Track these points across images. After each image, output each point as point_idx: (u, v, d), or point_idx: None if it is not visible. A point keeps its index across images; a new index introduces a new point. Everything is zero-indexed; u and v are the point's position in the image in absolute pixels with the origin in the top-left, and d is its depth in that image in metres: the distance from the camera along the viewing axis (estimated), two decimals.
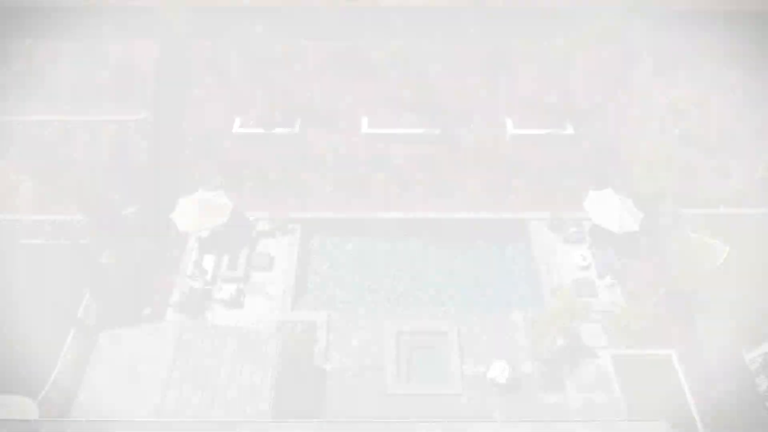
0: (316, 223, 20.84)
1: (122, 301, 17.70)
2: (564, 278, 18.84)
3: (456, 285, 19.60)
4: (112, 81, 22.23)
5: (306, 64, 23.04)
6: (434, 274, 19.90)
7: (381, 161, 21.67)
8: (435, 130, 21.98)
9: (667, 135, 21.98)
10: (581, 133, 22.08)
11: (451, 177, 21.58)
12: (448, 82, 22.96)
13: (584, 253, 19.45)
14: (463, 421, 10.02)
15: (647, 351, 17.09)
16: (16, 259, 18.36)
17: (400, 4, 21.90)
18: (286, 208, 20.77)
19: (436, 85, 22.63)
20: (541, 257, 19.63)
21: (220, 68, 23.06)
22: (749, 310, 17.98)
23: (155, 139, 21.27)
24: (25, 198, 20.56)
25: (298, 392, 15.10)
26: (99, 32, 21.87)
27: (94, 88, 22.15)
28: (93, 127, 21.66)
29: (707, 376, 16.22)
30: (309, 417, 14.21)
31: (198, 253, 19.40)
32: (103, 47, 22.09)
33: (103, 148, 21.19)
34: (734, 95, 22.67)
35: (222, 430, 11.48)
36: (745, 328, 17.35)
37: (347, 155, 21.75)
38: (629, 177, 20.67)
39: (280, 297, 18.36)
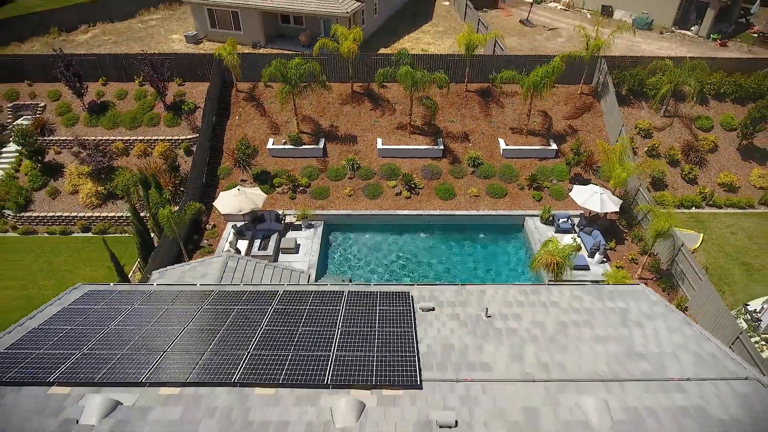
0: (336, 218, 23.28)
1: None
2: None
3: (459, 267, 21.46)
4: (167, 111, 26.24)
5: (330, 98, 27.17)
6: (439, 261, 21.82)
7: (392, 171, 24.70)
8: (438, 146, 25.34)
9: (638, 149, 25.29)
10: (562, 148, 25.45)
11: (453, 183, 24.46)
12: (449, 112, 26.88)
13: (575, 238, 21.58)
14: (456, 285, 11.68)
15: None
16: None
17: (411, 50, 26.54)
18: (311, 206, 23.39)
19: (438, 114, 26.46)
20: (536, 244, 21.70)
21: (258, 101, 27.18)
22: (717, 280, 19.87)
23: (200, 154, 24.58)
24: (83, 194, 23.40)
25: None
26: (155, 73, 26.21)
27: (153, 117, 26.08)
28: (147, 144, 25.23)
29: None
30: None
31: (233, 237, 21.62)
32: (161, 86, 26.28)
33: (154, 160, 24.49)
34: (690, 121, 26.43)
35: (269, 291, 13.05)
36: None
37: (363, 166, 24.86)
38: (606, 182, 23.49)
39: (305, 272, 20.19)
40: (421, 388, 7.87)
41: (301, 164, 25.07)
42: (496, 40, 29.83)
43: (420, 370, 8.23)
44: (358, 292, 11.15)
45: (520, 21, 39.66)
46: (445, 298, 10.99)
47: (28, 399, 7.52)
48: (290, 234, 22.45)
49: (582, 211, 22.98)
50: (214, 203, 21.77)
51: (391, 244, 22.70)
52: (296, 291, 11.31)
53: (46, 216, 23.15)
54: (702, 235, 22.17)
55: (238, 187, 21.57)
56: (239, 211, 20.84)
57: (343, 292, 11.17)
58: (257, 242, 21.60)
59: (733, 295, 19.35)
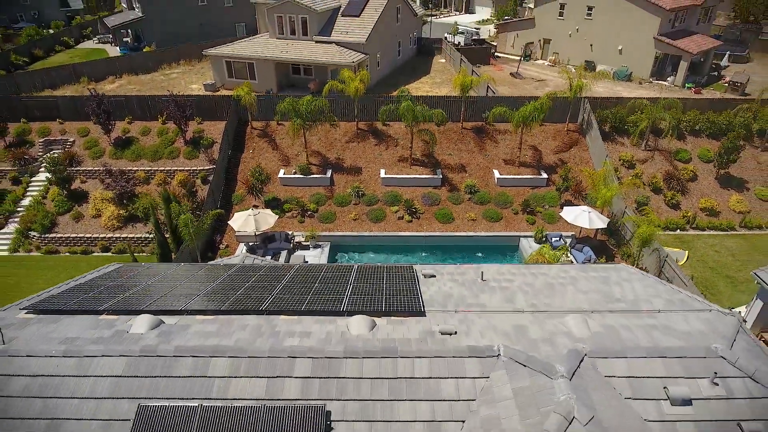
0: (341, 239, 24.53)
1: None
2: None
3: None
4: (187, 145, 28.26)
5: (337, 134, 29.29)
6: None
7: (394, 197, 26.26)
8: (437, 176, 27.08)
9: (623, 178, 26.97)
10: (553, 178, 27.16)
11: (452, 208, 25.94)
12: (446, 146, 28.89)
13: (567, 254, 22.74)
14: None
15: None
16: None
17: (413, 92, 29.00)
18: (319, 229, 24.72)
19: (437, 148, 28.45)
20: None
21: (270, 137, 29.29)
22: (703, 290, 20.87)
23: (216, 182, 26.27)
24: (106, 217, 24.80)
25: None
26: (178, 110, 28.50)
27: (173, 150, 28.06)
28: (167, 173, 26.99)
29: None
30: None
31: (245, 253, 22.76)
32: (183, 123, 28.46)
33: (173, 186, 26.14)
34: (670, 154, 28.36)
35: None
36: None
37: (367, 194, 26.46)
38: (594, 205, 24.96)
39: None
40: (425, 315, 8.91)
41: (309, 192, 26.68)
42: (488, 85, 32.51)
43: (423, 304, 9.30)
44: (367, 266, 12.30)
45: (510, 74, 42.96)
46: (445, 270, 12.12)
47: (83, 321, 8.56)
48: (298, 252, 23.63)
49: (574, 232, 24.28)
50: (229, 222, 23.16)
51: (394, 263, 23.78)
52: (311, 265, 12.46)
53: (69, 237, 24.43)
54: (687, 252, 23.34)
55: (251, 209, 23.05)
56: (252, 229, 22.19)
57: (353, 266, 12.32)
58: (268, 258, 22.74)
59: (719, 303, 20.21)
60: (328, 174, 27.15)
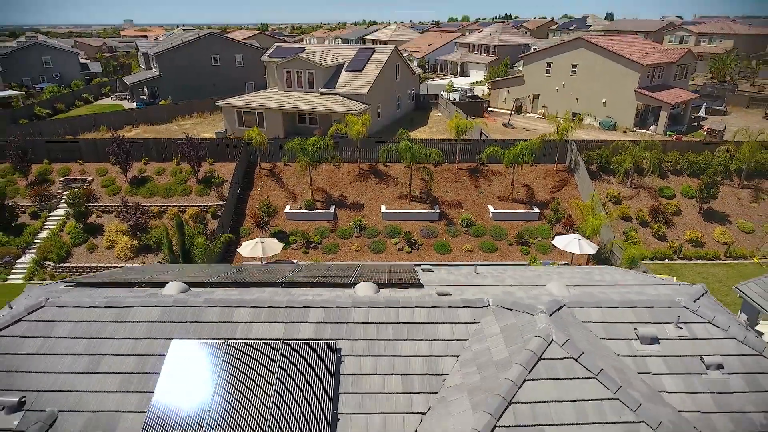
0: None
1: None
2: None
3: None
4: (199, 184, 29.84)
5: (340, 174, 30.97)
6: None
7: (394, 230, 27.45)
8: (435, 211, 28.43)
9: (611, 213, 28.30)
10: (544, 213, 28.50)
11: (449, 240, 27.06)
12: (443, 185, 30.48)
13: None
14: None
15: None
16: None
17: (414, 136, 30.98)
18: (322, 259, 25.71)
19: (434, 186, 30.02)
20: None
21: (278, 176, 30.93)
22: None
23: (226, 216, 27.58)
24: (119, 247, 25.83)
25: None
26: (189, 154, 30.33)
27: (186, 188, 29.60)
28: (179, 209, 28.34)
29: None
30: None
31: None
32: (196, 163, 30.19)
33: (184, 220, 27.38)
34: (654, 191, 29.89)
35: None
36: None
37: (369, 227, 27.68)
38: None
39: None
40: (423, 287, 9.89)
41: (314, 226, 27.91)
42: (481, 130, 34.69)
43: (420, 282, 10.30)
44: (371, 264, 13.33)
45: (502, 124, 45.57)
46: (442, 268, 13.15)
47: (117, 291, 9.54)
48: None
49: (566, 261, 25.27)
50: (238, 249, 24.18)
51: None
52: (320, 263, 13.48)
53: (82, 266, 25.36)
54: (675, 278, 24.20)
55: (259, 238, 24.19)
56: (259, 256, 23.21)
57: (358, 264, 13.35)
58: None
59: None
60: (332, 209, 28.52)
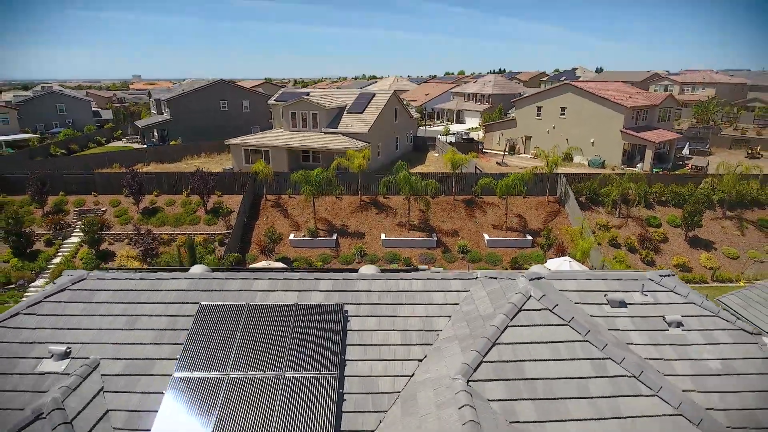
0: None
1: None
2: None
3: None
4: (207, 214, 31.17)
5: (342, 205, 32.37)
6: None
7: (393, 256, 28.52)
8: (433, 238, 29.61)
9: (601, 242, 29.49)
10: (537, 240, 29.68)
11: (447, 266, 28.06)
12: (440, 215, 31.82)
13: None
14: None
15: None
16: None
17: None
18: None
19: (431, 215, 31.36)
20: None
21: (283, 207, 32.30)
22: None
23: (233, 243, 28.71)
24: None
25: None
26: (199, 186, 31.86)
27: (195, 218, 30.91)
28: (188, 237, 29.49)
29: None
30: None
31: None
32: (205, 194, 31.67)
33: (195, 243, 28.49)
34: (642, 220, 31.21)
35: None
36: None
37: (369, 253, 28.76)
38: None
39: None
40: (419, 272, 10.97)
41: (317, 252, 29.00)
42: (476, 165, 36.43)
43: (417, 268, 11.38)
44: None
45: (496, 162, 47.55)
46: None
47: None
48: None
49: None
50: None
51: None
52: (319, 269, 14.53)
53: None
54: None
55: (264, 261, 25.19)
56: None
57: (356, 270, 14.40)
58: None
59: None
60: (334, 237, 29.70)
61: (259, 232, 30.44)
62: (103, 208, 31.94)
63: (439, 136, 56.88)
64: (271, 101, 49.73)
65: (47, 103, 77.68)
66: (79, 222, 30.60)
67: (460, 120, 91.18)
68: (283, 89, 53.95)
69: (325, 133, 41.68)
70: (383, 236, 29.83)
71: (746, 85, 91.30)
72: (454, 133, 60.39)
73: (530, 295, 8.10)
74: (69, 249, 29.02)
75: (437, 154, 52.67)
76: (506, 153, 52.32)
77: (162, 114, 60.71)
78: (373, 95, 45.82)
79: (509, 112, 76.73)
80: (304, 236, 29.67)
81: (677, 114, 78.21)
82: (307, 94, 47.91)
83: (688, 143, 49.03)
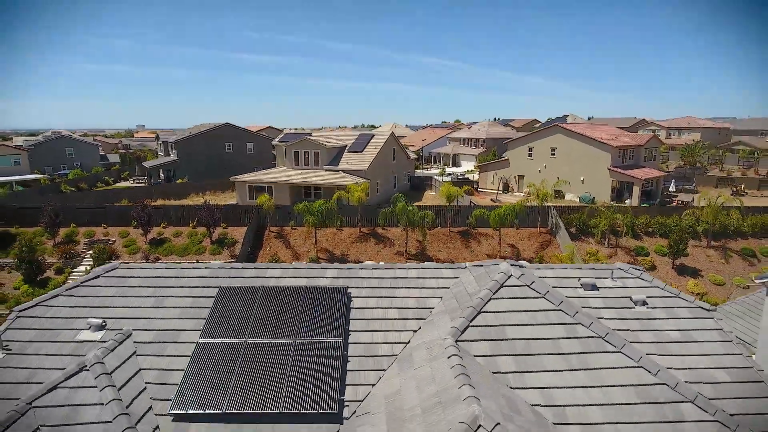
0: None
1: None
2: None
3: None
4: (213, 244, 32.28)
5: (342, 236, 33.55)
6: None
7: None
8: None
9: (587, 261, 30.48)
10: None
11: None
12: (436, 246, 32.97)
13: None
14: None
15: None
16: None
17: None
18: None
19: (428, 246, 32.51)
20: None
21: (285, 238, 33.46)
22: None
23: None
24: None
25: None
26: (206, 217, 33.14)
27: (200, 248, 32.00)
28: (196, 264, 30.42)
29: None
30: None
31: None
32: (211, 226, 32.92)
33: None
34: (630, 249, 32.37)
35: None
36: None
37: None
38: None
39: None
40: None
41: None
42: (470, 200, 37.93)
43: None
44: None
45: (491, 199, 49.15)
46: None
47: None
48: None
49: None
50: None
51: None
52: None
53: None
54: None
55: None
56: None
57: None
58: None
59: None
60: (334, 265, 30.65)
61: (262, 260, 31.44)
62: (113, 239, 33.06)
63: (435, 176, 58.85)
64: (275, 141, 51.97)
65: (57, 147, 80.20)
66: (89, 251, 31.64)
67: (456, 164, 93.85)
68: (286, 131, 56.37)
69: (326, 170, 43.48)
70: (381, 264, 30.78)
71: (730, 130, 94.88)
72: (450, 174, 62.43)
73: (511, 274, 9.23)
74: (77, 277, 29.88)
75: (434, 193, 54.38)
76: (500, 191, 54.07)
77: (169, 155, 62.90)
78: (372, 136, 48.04)
79: (503, 154, 79.39)
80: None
81: (665, 156, 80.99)
82: (310, 134, 50.16)
83: (674, 180, 50.98)
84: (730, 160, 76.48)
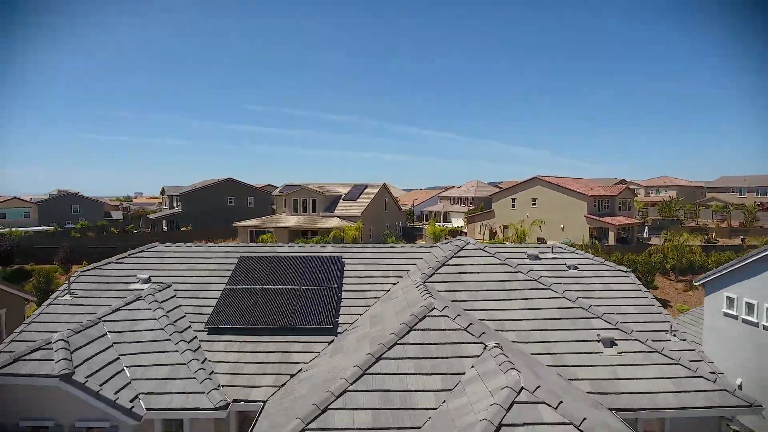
0: None
1: None
2: None
3: None
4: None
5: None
6: None
7: None
8: None
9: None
10: None
11: None
12: None
13: None
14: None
15: None
16: None
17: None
18: None
19: None
20: None
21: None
22: None
23: None
24: None
25: None
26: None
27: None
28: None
29: None
30: None
31: None
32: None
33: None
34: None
35: None
36: None
37: None
38: None
39: None
40: None
41: None
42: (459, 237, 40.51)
43: None
44: None
45: None
46: None
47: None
48: None
49: None
50: None
51: None
52: None
53: None
54: None
55: None
56: None
57: None
58: None
59: None
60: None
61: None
62: None
63: (425, 227, 61.78)
64: (275, 192, 55.13)
65: (64, 203, 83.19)
66: None
67: (446, 220, 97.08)
68: (285, 183, 59.80)
69: (323, 216, 46.27)
70: None
71: (704, 188, 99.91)
72: (440, 226, 65.42)
73: (469, 242, 11.77)
74: None
75: (424, 241, 57.03)
76: (485, 239, 56.80)
77: (174, 207, 65.75)
78: (366, 186, 51.37)
79: (491, 207, 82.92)
80: None
81: (645, 212, 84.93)
82: (308, 184, 53.48)
83: (647, 227, 54.10)
84: (705, 214, 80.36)
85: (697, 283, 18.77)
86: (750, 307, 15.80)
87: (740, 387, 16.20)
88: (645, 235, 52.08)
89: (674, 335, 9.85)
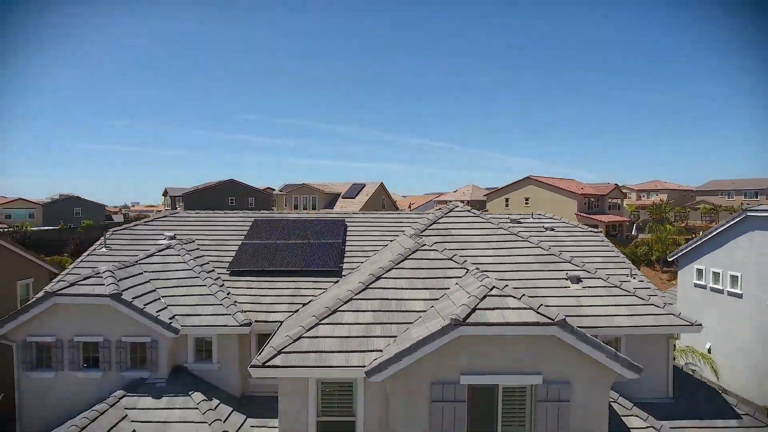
0: None
1: None
2: None
3: None
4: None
5: None
6: None
7: None
8: None
9: None
10: None
11: None
12: None
13: None
14: None
15: None
16: None
17: None
18: None
19: None
20: None
21: None
22: None
23: None
24: None
25: None
26: None
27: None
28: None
29: None
30: None
31: None
32: None
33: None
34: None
35: None
36: None
37: None
38: None
39: None
40: None
41: None
42: None
43: None
44: None
45: None
46: None
47: None
48: None
49: None
50: None
51: None
52: None
53: None
54: None
55: None
56: None
57: None
58: None
59: None
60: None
61: None
62: None
63: None
64: (276, 191, 56.53)
65: (67, 205, 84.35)
66: None
67: None
68: (286, 183, 61.24)
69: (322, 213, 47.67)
70: None
71: (693, 192, 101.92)
72: None
73: (457, 205, 13.22)
74: None
75: None
76: None
77: (176, 208, 67.07)
78: (364, 185, 52.87)
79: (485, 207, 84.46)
80: None
81: (636, 215, 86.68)
82: (308, 183, 54.95)
83: (635, 225, 55.71)
84: (694, 216, 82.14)
85: (670, 258, 20.24)
86: (716, 276, 17.29)
87: (709, 351, 17.67)
88: (633, 232, 53.67)
89: (634, 277, 11.31)
